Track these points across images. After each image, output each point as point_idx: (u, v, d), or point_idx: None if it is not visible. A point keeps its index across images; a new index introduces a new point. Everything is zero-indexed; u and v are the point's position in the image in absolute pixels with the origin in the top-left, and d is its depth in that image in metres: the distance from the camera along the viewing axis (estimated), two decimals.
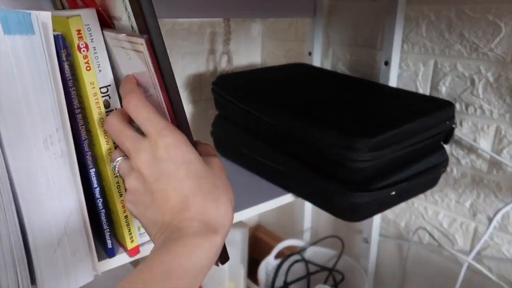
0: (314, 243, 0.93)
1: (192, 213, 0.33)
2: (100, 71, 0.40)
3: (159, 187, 0.33)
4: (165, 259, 0.31)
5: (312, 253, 0.92)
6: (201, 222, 0.33)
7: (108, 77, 0.41)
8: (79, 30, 0.37)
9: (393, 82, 0.74)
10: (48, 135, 0.35)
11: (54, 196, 0.37)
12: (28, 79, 0.34)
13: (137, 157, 0.34)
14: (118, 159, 0.37)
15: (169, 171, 0.33)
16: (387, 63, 0.73)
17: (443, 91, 0.69)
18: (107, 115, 0.41)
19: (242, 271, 0.77)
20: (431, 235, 0.75)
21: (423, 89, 0.72)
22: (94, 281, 0.43)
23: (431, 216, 0.75)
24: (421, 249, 0.78)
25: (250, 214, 0.57)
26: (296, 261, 0.88)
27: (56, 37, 0.37)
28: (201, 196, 0.33)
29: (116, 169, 0.38)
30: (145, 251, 0.48)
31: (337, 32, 0.83)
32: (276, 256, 0.92)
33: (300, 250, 0.92)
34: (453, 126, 0.62)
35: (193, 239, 0.32)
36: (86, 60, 0.38)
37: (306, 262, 0.89)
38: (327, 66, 0.87)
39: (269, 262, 0.89)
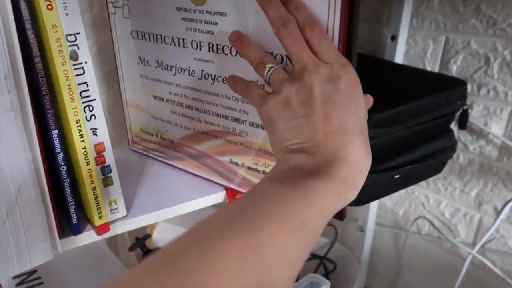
0: None
1: (346, 154, 0.30)
2: (67, 14, 0.34)
3: (324, 108, 0.31)
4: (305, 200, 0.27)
5: None
6: (350, 170, 0.30)
7: (77, 24, 0.35)
8: None
9: (399, 59, 0.68)
10: None
11: (2, 157, 0.31)
12: None
13: (315, 71, 0.31)
14: (273, 64, 0.34)
15: (340, 101, 0.31)
16: (393, 38, 0.67)
17: (454, 70, 0.64)
18: (74, 70, 0.35)
19: None
20: (432, 224, 0.70)
21: (432, 67, 0.66)
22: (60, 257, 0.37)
23: (432, 205, 0.70)
24: (420, 239, 0.73)
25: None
26: None
27: None
28: (359, 143, 0.31)
29: (271, 71, 0.34)
30: (117, 229, 0.42)
31: None
32: None
33: None
34: (465, 107, 0.57)
35: (340, 185, 0.29)
36: None
37: None
38: None
39: None
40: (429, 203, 0.71)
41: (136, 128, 0.55)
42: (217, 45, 0.41)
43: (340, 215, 0.46)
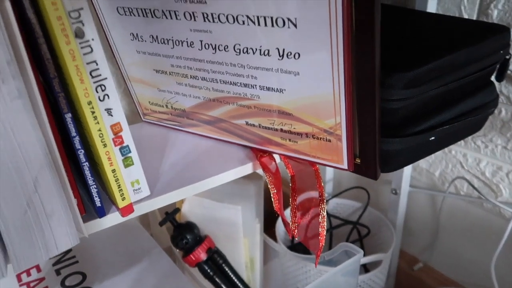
0: (336, 194, 0.86)
1: None
2: None
3: None
4: None
5: (334, 205, 0.85)
6: None
7: None
8: None
9: (432, 8, 0.62)
10: None
11: (15, 146, 0.30)
12: None
13: None
14: None
15: None
16: None
17: (494, 16, 0.58)
18: (81, 48, 0.34)
19: (257, 226, 0.71)
20: (471, 184, 0.66)
21: (469, 14, 0.60)
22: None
23: (471, 164, 0.66)
24: (458, 200, 0.70)
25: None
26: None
27: None
28: None
29: None
30: (141, 209, 0.42)
31: None
32: None
33: None
34: (507, 57, 0.52)
35: None
36: None
37: (328, 215, 0.82)
38: None
39: (288, 216, 0.83)
40: (468, 162, 0.67)
41: (144, 101, 0.54)
42: (212, 14, 0.39)
43: (374, 173, 0.44)
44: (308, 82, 0.38)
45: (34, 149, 0.31)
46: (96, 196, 0.38)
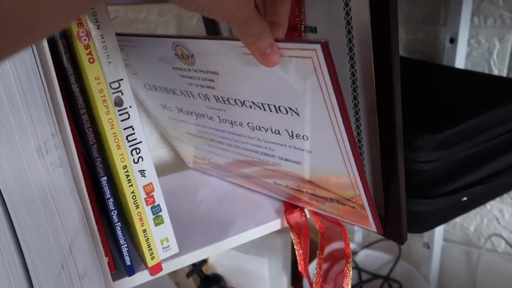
0: (366, 246, 0.84)
1: None
2: (109, 63, 0.34)
3: None
4: None
5: (364, 257, 0.83)
6: None
7: (120, 71, 0.35)
8: None
9: (460, 63, 0.63)
10: (42, 143, 0.30)
11: (54, 211, 0.31)
12: (11, 76, 0.28)
13: None
14: None
15: None
16: (452, 41, 0.62)
17: None
18: (119, 115, 0.36)
19: (284, 279, 0.70)
20: (508, 243, 0.63)
21: (499, 69, 0.60)
22: None
23: (508, 220, 0.64)
24: (496, 258, 0.66)
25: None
26: None
27: None
28: None
29: None
30: (169, 267, 0.42)
31: None
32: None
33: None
34: None
35: None
36: (88, 51, 0.32)
37: (358, 268, 0.80)
38: None
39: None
40: (505, 218, 0.64)
41: (187, 154, 0.57)
42: (221, 97, 0.41)
43: (400, 237, 0.43)
44: (321, 160, 0.38)
45: (71, 214, 0.32)
46: (126, 255, 0.39)
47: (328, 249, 0.51)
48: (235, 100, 0.40)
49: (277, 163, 0.43)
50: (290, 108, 0.36)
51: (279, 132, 0.39)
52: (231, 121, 0.43)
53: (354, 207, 0.41)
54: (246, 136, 0.44)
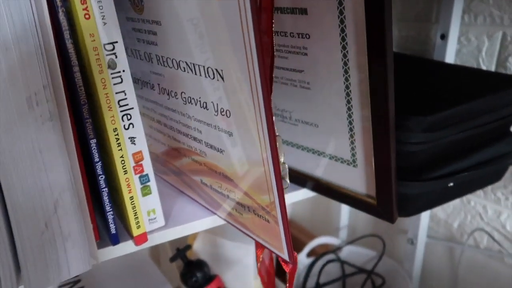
0: (351, 241, 0.84)
1: None
2: (105, 23, 0.34)
3: None
4: None
5: (348, 252, 0.83)
6: None
7: (115, 33, 0.35)
8: None
9: (450, 59, 0.64)
10: (32, 93, 0.29)
11: (41, 167, 0.31)
12: (6, 23, 0.28)
13: None
14: None
15: None
16: (443, 37, 0.63)
17: None
18: (112, 79, 0.35)
19: None
20: (492, 237, 0.64)
21: (487, 66, 0.61)
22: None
23: (491, 216, 0.65)
24: (478, 254, 0.67)
25: None
26: (331, 261, 0.80)
27: None
28: None
29: None
30: (155, 239, 0.42)
31: None
32: (309, 255, 0.84)
33: (336, 249, 0.83)
34: None
35: None
36: (84, 6, 0.32)
37: (342, 262, 0.80)
38: None
39: (301, 261, 0.82)
40: (488, 214, 0.65)
41: None
42: (162, 57, 0.38)
43: (390, 216, 0.42)
44: (240, 146, 0.35)
45: (58, 171, 0.32)
46: (111, 223, 0.38)
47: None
48: (172, 61, 0.37)
49: (203, 151, 0.40)
50: (216, 71, 0.32)
51: (206, 106, 0.36)
52: (169, 90, 0.40)
53: (268, 221, 0.36)
54: (179, 112, 0.40)
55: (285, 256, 0.37)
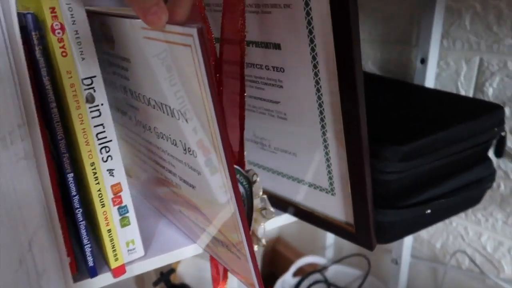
0: (337, 261, 0.84)
1: None
2: (83, 59, 0.34)
3: None
4: None
5: (334, 272, 0.83)
6: None
7: (93, 67, 0.35)
8: (53, 8, 0.32)
9: (430, 83, 0.65)
10: (6, 132, 0.29)
11: (15, 205, 0.31)
12: None
13: None
14: None
15: None
16: (423, 61, 0.64)
17: (490, 94, 0.60)
18: (90, 112, 0.36)
19: None
20: (472, 260, 0.65)
21: (466, 91, 0.63)
22: None
23: (472, 237, 0.65)
24: (460, 275, 0.68)
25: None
26: (317, 282, 0.80)
27: (25, 16, 0.31)
28: None
29: None
30: (133, 270, 0.41)
31: (367, 28, 0.75)
32: (295, 274, 0.84)
33: (322, 269, 0.84)
34: (502, 134, 0.53)
35: None
36: (61, 44, 0.33)
37: (328, 282, 0.80)
38: None
39: (286, 281, 0.82)
40: (469, 235, 0.66)
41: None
42: (134, 92, 0.38)
43: (369, 243, 0.43)
44: (208, 185, 0.35)
45: (33, 209, 0.32)
46: (89, 256, 0.38)
47: None
48: (143, 97, 0.37)
49: (178, 184, 0.40)
50: (179, 112, 0.32)
51: (175, 144, 0.36)
52: (143, 123, 0.40)
53: (239, 257, 0.37)
54: (154, 145, 0.40)
55: None
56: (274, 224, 0.50)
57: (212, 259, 0.46)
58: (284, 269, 0.85)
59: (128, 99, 0.41)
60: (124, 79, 0.40)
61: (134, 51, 0.35)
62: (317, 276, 0.82)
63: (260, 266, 0.98)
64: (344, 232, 0.45)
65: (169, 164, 0.40)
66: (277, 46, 0.39)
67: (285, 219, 0.51)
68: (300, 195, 0.48)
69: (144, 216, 0.50)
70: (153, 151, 0.42)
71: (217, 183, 0.33)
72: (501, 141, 0.53)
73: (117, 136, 0.50)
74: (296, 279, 0.81)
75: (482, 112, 0.51)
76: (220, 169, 0.31)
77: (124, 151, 0.50)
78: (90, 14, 0.39)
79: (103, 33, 0.39)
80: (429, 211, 0.47)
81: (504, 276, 0.62)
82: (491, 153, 0.56)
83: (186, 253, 0.45)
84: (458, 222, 0.67)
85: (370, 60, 0.76)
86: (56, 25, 0.32)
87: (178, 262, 0.66)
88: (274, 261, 1.01)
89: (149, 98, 0.36)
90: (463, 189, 0.50)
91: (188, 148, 0.35)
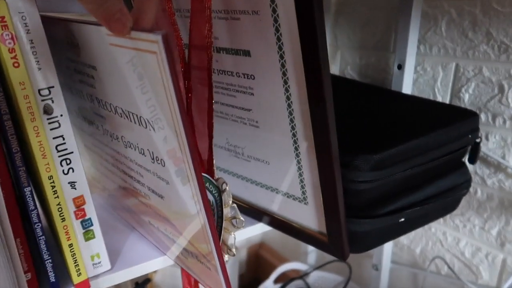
0: (318, 267, 0.84)
1: None
2: (39, 69, 0.33)
3: None
4: None
5: (316, 278, 0.83)
6: None
7: (50, 77, 0.34)
8: (2, 18, 0.30)
9: (407, 89, 0.65)
10: None
11: None
12: None
13: None
14: None
15: None
16: (400, 67, 0.64)
17: (466, 99, 0.60)
18: (48, 124, 0.34)
19: None
20: (449, 267, 0.65)
21: (442, 96, 0.62)
22: None
23: (450, 243, 0.65)
24: (439, 280, 0.67)
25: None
26: None
27: None
28: None
29: None
30: (99, 284, 0.40)
31: (346, 33, 0.75)
32: (276, 280, 0.83)
33: (303, 275, 0.83)
34: (477, 140, 0.53)
35: None
36: (13, 55, 0.31)
37: None
38: (335, 71, 0.78)
39: (268, 287, 0.81)
40: (448, 241, 0.66)
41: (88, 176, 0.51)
42: (100, 100, 0.38)
43: (341, 253, 0.42)
44: (176, 195, 0.34)
45: None
46: (50, 271, 0.37)
47: None
48: (110, 105, 0.36)
49: (147, 194, 0.39)
50: (147, 120, 0.32)
51: (143, 153, 0.35)
52: (111, 132, 0.39)
53: (210, 268, 0.36)
54: (122, 154, 0.39)
55: None
56: (245, 234, 0.49)
57: (183, 271, 0.45)
58: (268, 275, 0.85)
59: (95, 108, 0.40)
60: (90, 87, 0.39)
61: (100, 58, 0.34)
62: (298, 283, 0.81)
63: (244, 272, 0.97)
64: (317, 242, 0.45)
65: (137, 173, 0.39)
66: (247, 53, 0.38)
67: (258, 229, 0.50)
68: (274, 204, 0.47)
69: (112, 228, 0.49)
70: (120, 161, 0.41)
71: (187, 193, 0.32)
72: (475, 148, 0.53)
73: (83, 146, 0.49)
74: (278, 286, 0.80)
75: (457, 118, 0.50)
76: (189, 178, 0.31)
77: (91, 161, 0.49)
78: (54, 21, 0.38)
79: (68, 40, 0.38)
80: (403, 219, 0.46)
81: (482, 282, 0.62)
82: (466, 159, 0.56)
83: (154, 266, 0.43)
84: (437, 227, 0.67)
85: (349, 66, 0.76)
86: (7, 34, 0.30)
87: (154, 272, 0.64)
88: (257, 266, 1.00)
89: (116, 106, 0.36)
90: (439, 197, 0.50)
91: (156, 157, 0.34)
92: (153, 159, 0.35)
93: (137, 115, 0.33)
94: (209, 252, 0.34)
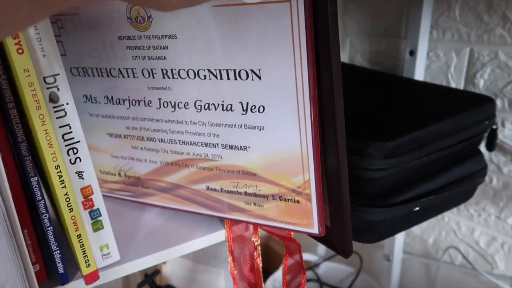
0: (328, 258, 0.83)
1: None
2: (44, 56, 0.32)
3: None
4: None
5: (326, 269, 0.82)
6: None
7: (56, 65, 0.33)
8: None
9: (419, 75, 0.63)
10: None
11: None
12: None
13: None
14: None
15: None
16: (412, 53, 0.62)
17: (481, 85, 0.58)
18: (54, 112, 0.34)
19: None
20: (464, 257, 0.63)
21: (456, 83, 0.61)
22: None
23: (465, 233, 0.64)
24: (453, 270, 0.66)
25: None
26: (309, 279, 0.78)
27: None
28: None
29: None
30: (108, 276, 0.40)
31: (355, 20, 0.73)
32: None
33: (313, 266, 0.82)
34: (494, 127, 0.51)
35: None
36: (17, 41, 0.30)
37: (320, 280, 0.79)
38: (344, 58, 0.77)
39: (277, 279, 0.80)
40: (461, 231, 0.64)
41: (95, 170, 0.46)
42: (171, 70, 0.38)
43: (344, 250, 0.41)
44: (273, 137, 0.37)
45: None
46: (59, 262, 0.36)
47: (290, 262, 0.49)
48: (187, 72, 0.37)
49: (218, 155, 0.40)
50: (252, 71, 0.34)
51: (231, 108, 0.37)
52: (174, 103, 0.40)
53: (298, 201, 0.38)
54: (188, 121, 0.40)
55: (315, 230, 0.38)
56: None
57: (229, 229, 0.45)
58: (277, 266, 0.84)
59: (153, 82, 0.40)
60: (156, 60, 0.39)
61: (189, 23, 0.35)
62: (309, 274, 0.80)
63: None
64: (321, 237, 0.44)
65: (210, 135, 0.40)
66: None
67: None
68: None
69: (121, 219, 0.48)
70: (180, 131, 0.42)
71: (289, 130, 0.35)
72: (493, 135, 0.51)
73: (106, 136, 0.48)
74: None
75: (473, 105, 0.49)
76: (301, 114, 0.34)
77: (113, 149, 0.48)
78: None
79: (131, 16, 0.37)
80: (417, 208, 0.45)
81: (498, 272, 0.61)
82: (482, 147, 0.54)
83: (164, 257, 0.43)
84: (450, 217, 0.65)
85: (359, 53, 0.74)
86: None
87: (163, 263, 0.64)
88: (267, 258, 0.99)
89: (198, 70, 0.37)
90: (454, 185, 0.48)
91: (253, 106, 0.36)
92: (245, 110, 0.36)
93: (234, 70, 0.35)
94: (304, 182, 0.36)
